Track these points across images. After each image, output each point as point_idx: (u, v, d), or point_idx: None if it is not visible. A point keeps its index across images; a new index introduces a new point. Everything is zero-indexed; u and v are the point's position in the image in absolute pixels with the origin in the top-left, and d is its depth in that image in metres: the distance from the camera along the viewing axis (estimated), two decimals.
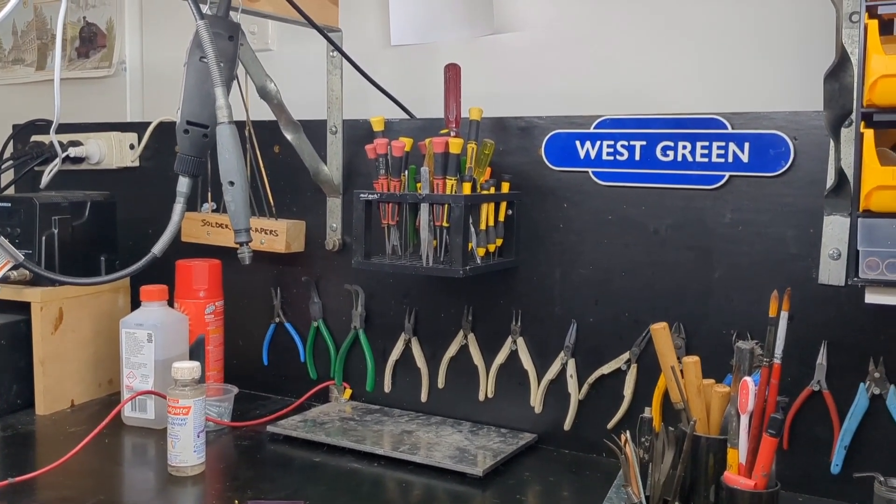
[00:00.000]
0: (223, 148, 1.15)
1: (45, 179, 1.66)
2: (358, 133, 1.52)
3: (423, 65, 1.57)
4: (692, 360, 0.98)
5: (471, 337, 1.43)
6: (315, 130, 1.52)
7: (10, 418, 1.46)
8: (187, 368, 1.23)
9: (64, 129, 1.78)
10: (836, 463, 1.14)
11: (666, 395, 1.23)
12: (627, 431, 0.96)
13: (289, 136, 1.47)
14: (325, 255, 1.57)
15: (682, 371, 1.00)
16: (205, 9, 1.22)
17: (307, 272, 1.59)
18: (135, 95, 1.96)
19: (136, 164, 1.76)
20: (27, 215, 1.48)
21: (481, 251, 1.31)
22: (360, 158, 1.51)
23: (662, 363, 1.01)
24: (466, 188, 1.28)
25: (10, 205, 1.49)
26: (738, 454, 0.89)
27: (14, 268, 1.30)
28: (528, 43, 1.48)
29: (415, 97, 1.52)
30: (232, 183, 1.16)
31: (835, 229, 1.09)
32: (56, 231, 1.50)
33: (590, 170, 1.32)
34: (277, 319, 1.62)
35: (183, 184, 1.25)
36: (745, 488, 0.87)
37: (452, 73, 1.34)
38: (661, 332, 1.01)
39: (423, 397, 1.48)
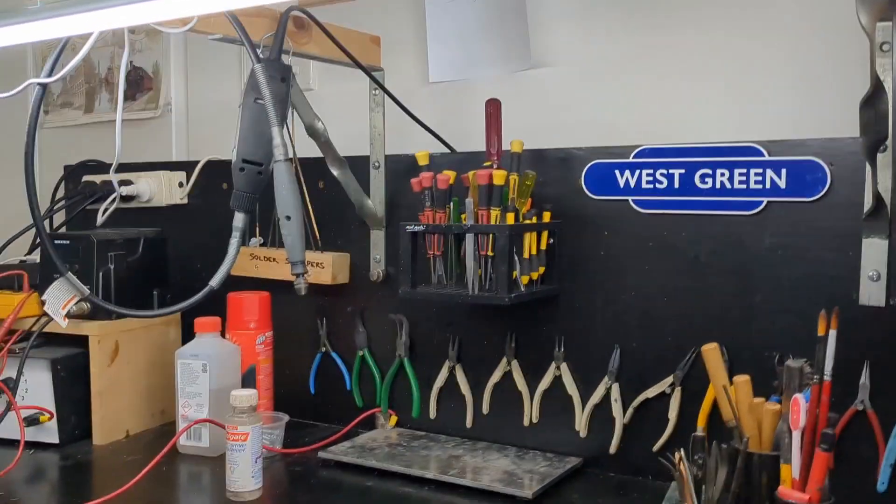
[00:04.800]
0: (280, 184, 1.20)
1: (101, 218, 1.72)
2: (399, 167, 1.57)
3: (462, 100, 1.62)
4: (743, 379, 1.01)
5: (514, 363, 1.47)
6: (358, 166, 1.58)
7: (69, 448, 1.51)
8: (245, 396, 1.28)
9: (119, 169, 1.84)
10: (882, 481, 1.16)
11: (711, 416, 1.25)
12: (682, 449, 0.99)
13: (335, 172, 1.53)
14: (370, 285, 1.61)
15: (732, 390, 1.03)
16: (259, 52, 1.28)
17: (352, 302, 1.64)
18: (180, 135, 2.03)
19: (185, 201, 1.82)
20: (85, 252, 1.54)
21: (525, 279, 1.35)
22: (402, 192, 1.56)
23: (714, 382, 1.04)
24: (510, 218, 1.32)
25: (69, 242, 1.55)
26: (791, 469, 0.92)
27: (80, 301, 1.36)
28: (565, 77, 1.53)
29: (454, 132, 1.57)
30: (289, 217, 1.21)
31: (874, 251, 1.12)
32: (112, 267, 1.55)
33: (630, 198, 1.36)
34: (324, 349, 1.67)
35: (239, 219, 1.31)
36: (801, 502, 0.90)
37: (493, 108, 1.39)
38: (711, 353, 1.04)
39: (469, 423, 1.52)
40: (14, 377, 1.45)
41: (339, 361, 1.65)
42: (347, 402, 1.64)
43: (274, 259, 1.66)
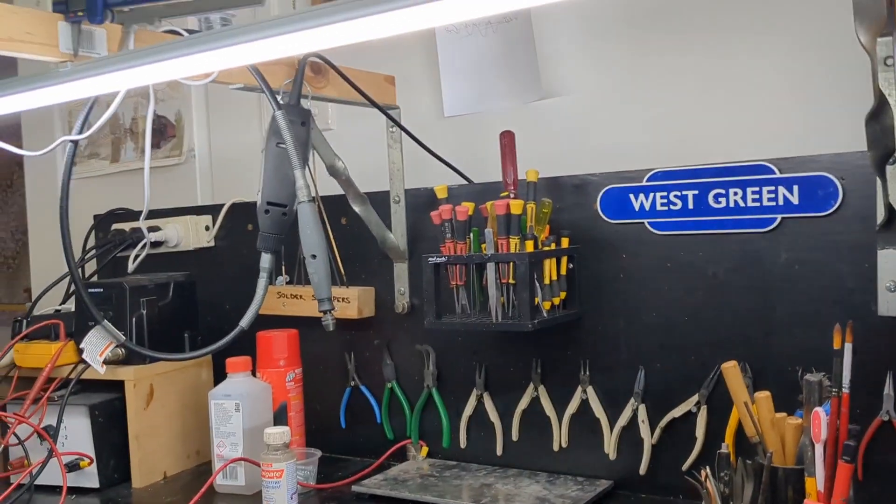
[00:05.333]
0: (305, 224, 1.25)
1: (132, 265, 1.77)
2: (419, 201, 1.61)
3: (476, 133, 1.66)
4: (764, 395, 1.02)
5: (541, 389, 1.49)
6: (378, 201, 1.61)
7: (109, 492, 1.54)
8: (278, 433, 1.31)
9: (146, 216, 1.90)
10: None
11: (738, 433, 1.26)
12: (707, 467, 1.01)
13: (357, 209, 1.57)
14: (395, 318, 1.64)
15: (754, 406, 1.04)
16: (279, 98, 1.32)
17: (379, 335, 1.67)
18: (204, 180, 2.09)
19: (212, 244, 1.87)
20: (118, 299, 1.58)
21: (547, 305, 1.38)
22: (422, 224, 1.60)
23: (735, 400, 1.05)
24: (529, 246, 1.35)
25: (102, 290, 1.59)
26: (815, 482, 0.93)
27: (115, 348, 1.40)
28: (576, 105, 1.57)
29: (470, 163, 1.61)
30: (314, 256, 1.25)
31: (890, 262, 1.13)
32: (145, 312, 1.60)
33: (645, 221, 1.38)
34: (353, 383, 1.70)
35: (266, 259, 1.35)
36: None
37: (508, 140, 1.42)
38: (731, 371, 1.06)
39: (499, 451, 1.53)
40: (54, 424, 1.49)
41: (368, 395, 1.68)
42: (378, 434, 1.67)
43: (301, 296, 1.69)
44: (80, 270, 1.91)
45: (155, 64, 1.03)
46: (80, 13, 1.05)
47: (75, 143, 1.25)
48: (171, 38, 1.19)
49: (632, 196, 1.39)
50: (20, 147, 1.67)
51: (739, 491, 0.98)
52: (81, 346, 1.49)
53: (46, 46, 1.07)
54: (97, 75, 1.06)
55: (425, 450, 1.61)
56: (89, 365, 1.52)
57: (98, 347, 1.46)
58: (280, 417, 1.58)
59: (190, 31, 1.18)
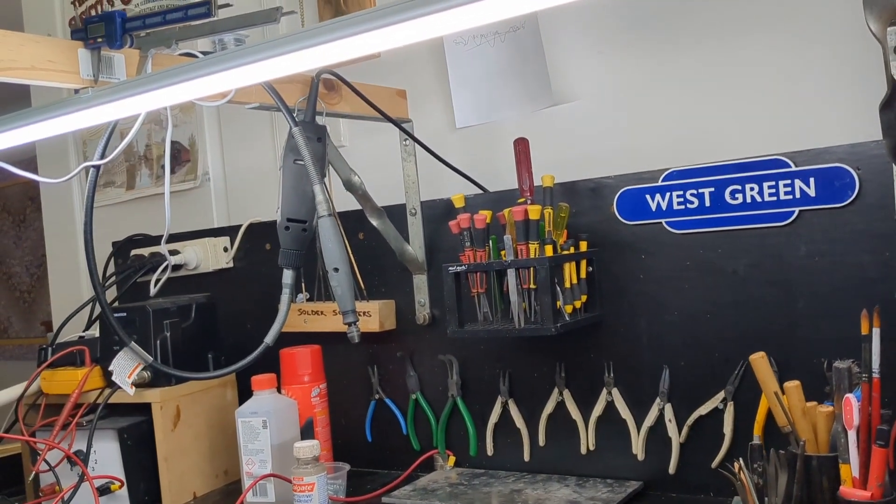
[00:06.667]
0: (326, 238, 1.26)
1: (154, 289, 1.79)
2: (435, 212, 1.62)
3: (489, 142, 1.67)
4: (794, 385, 1.03)
5: (566, 393, 1.49)
6: (394, 214, 1.63)
7: None
8: (308, 447, 1.31)
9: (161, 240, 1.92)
10: None
11: (767, 426, 1.26)
12: (741, 459, 1.01)
13: (374, 222, 1.58)
14: (416, 329, 1.65)
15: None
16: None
17: (401, 347, 1.68)
18: (220, 202, 2.11)
19: (230, 264, 1.88)
20: (142, 322, 1.60)
21: (569, 308, 1.38)
22: (439, 235, 1.61)
23: (765, 390, 1.06)
24: (548, 250, 1.36)
25: (126, 314, 1.61)
26: (850, 469, 0.93)
27: (144, 369, 1.41)
28: (588, 109, 1.58)
29: (484, 173, 1.62)
30: (336, 269, 1.26)
31: None
32: (168, 334, 1.61)
33: (663, 220, 1.39)
34: (377, 396, 1.70)
35: (287, 276, 1.36)
36: (863, 500, 0.91)
37: (522, 147, 1.43)
38: (759, 362, 1.06)
39: (526, 457, 1.53)
40: (84, 449, 1.50)
41: (392, 407, 1.69)
42: (405, 446, 1.67)
43: (322, 312, 1.70)
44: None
45: (175, 86, 1.05)
46: (99, 39, 1.07)
47: (97, 168, 1.27)
48: (187, 60, 1.21)
49: (648, 197, 1.40)
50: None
51: (773, 481, 0.98)
52: (110, 368, 1.51)
53: (67, 73, 1.09)
54: (119, 99, 1.08)
55: (452, 459, 1.61)
56: (116, 389, 1.53)
57: (126, 370, 1.47)
58: (307, 433, 1.59)
59: (205, 53, 1.20)
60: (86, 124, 1.12)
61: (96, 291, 1.36)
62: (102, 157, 1.25)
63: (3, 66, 1.00)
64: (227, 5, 1.06)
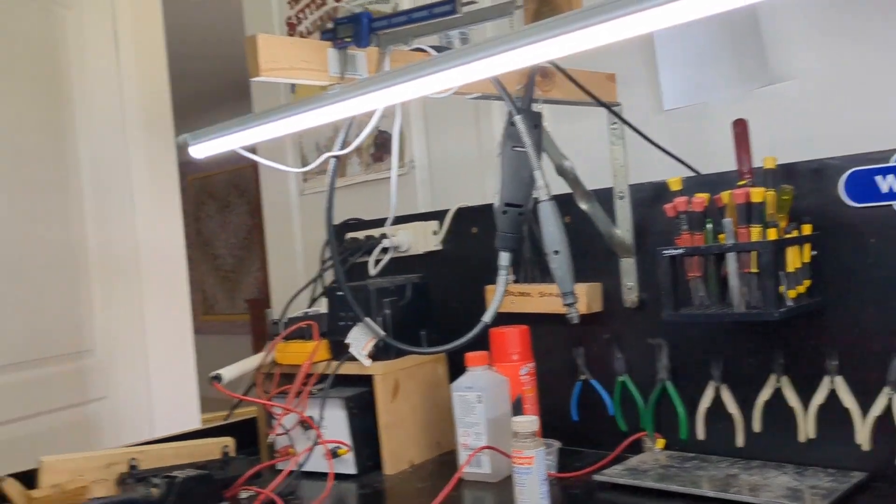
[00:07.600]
0: (547, 222, 1.30)
1: (373, 269, 1.91)
2: (642, 196, 1.62)
3: (697, 124, 1.66)
4: None
5: (784, 379, 1.46)
6: (601, 198, 1.65)
7: (364, 478, 1.67)
8: (527, 422, 1.37)
9: (375, 224, 2.04)
10: None
11: None
12: None
13: (583, 206, 1.61)
14: (623, 312, 1.67)
15: None
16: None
17: (607, 330, 1.70)
18: (424, 188, 2.21)
19: (439, 247, 1.97)
20: (364, 300, 1.71)
21: (792, 293, 1.35)
22: (647, 219, 1.61)
23: None
24: (771, 234, 1.33)
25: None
26: None
27: (376, 343, 1.53)
28: (807, 88, 1.53)
29: (692, 155, 1.61)
30: (557, 252, 1.30)
31: None
32: (388, 312, 1.72)
33: (894, 203, 1.33)
34: (583, 377, 1.74)
35: (504, 258, 1.42)
36: None
37: (741, 128, 1.41)
38: None
39: (740, 442, 1.52)
40: (315, 416, 1.64)
41: (599, 388, 1.71)
42: (611, 427, 1.69)
43: (528, 294, 1.76)
44: (321, 277, 2.08)
45: (411, 81, 1.13)
46: (347, 39, 1.16)
47: (337, 157, 1.38)
48: (419, 55, 1.29)
49: (878, 178, 1.34)
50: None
51: None
52: (347, 341, 1.63)
53: (318, 72, 1.20)
54: (362, 95, 1.17)
55: (662, 441, 1.62)
56: (343, 361, 1.66)
57: (361, 342, 1.59)
58: (517, 409, 1.65)
59: (437, 48, 1.27)
60: (333, 118, 1.23)
61: (337, 272, 1.49)
62: (343, 147, 1.36)
63: (268, 67, 1.11)
64: (473, 2, 1.12)
